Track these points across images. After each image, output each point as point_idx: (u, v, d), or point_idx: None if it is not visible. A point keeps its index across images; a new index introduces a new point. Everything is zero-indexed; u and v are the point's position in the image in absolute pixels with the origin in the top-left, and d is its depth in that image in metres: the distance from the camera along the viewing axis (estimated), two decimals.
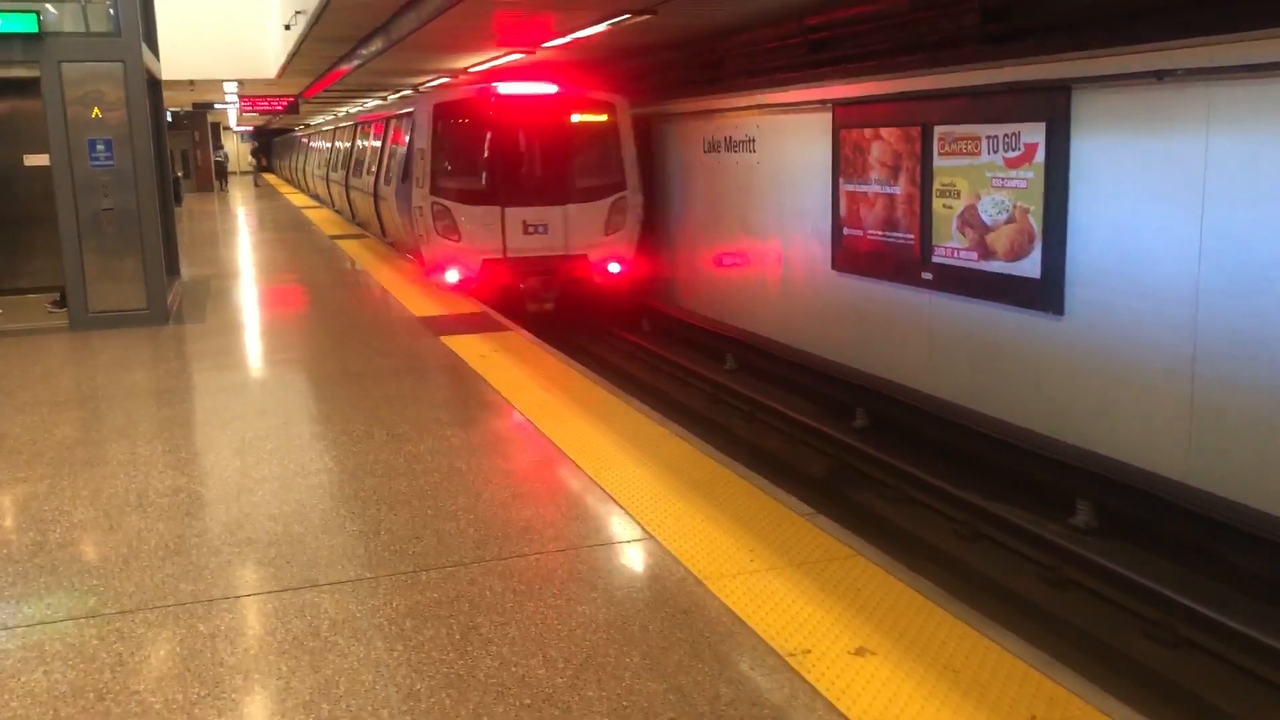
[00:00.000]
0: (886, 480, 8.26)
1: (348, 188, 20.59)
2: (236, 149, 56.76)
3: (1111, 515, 7.16)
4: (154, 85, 11.54)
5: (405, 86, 22.50)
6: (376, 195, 16.50)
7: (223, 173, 40.93)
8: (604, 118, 13.37)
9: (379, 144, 16.59)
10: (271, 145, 57.18)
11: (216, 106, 31.13)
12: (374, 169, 16.89)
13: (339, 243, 17.18)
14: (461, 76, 18.31)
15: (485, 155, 13.10)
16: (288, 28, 15.12)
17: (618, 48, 14.32)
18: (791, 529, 4.24)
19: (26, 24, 8.85)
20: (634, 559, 4.01)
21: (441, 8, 9.97)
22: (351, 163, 20.25)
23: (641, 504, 4.55)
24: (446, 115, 13.00)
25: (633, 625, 3.43)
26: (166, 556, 4.09)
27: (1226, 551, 6.43)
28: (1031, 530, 6.95)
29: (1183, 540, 6.71)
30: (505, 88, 12.98)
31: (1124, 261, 7.23)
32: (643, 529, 4.26)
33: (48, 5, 9.29)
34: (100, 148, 9.26)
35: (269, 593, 3.76)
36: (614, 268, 13.26)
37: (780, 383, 11.30)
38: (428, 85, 19.04)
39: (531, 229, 12.91)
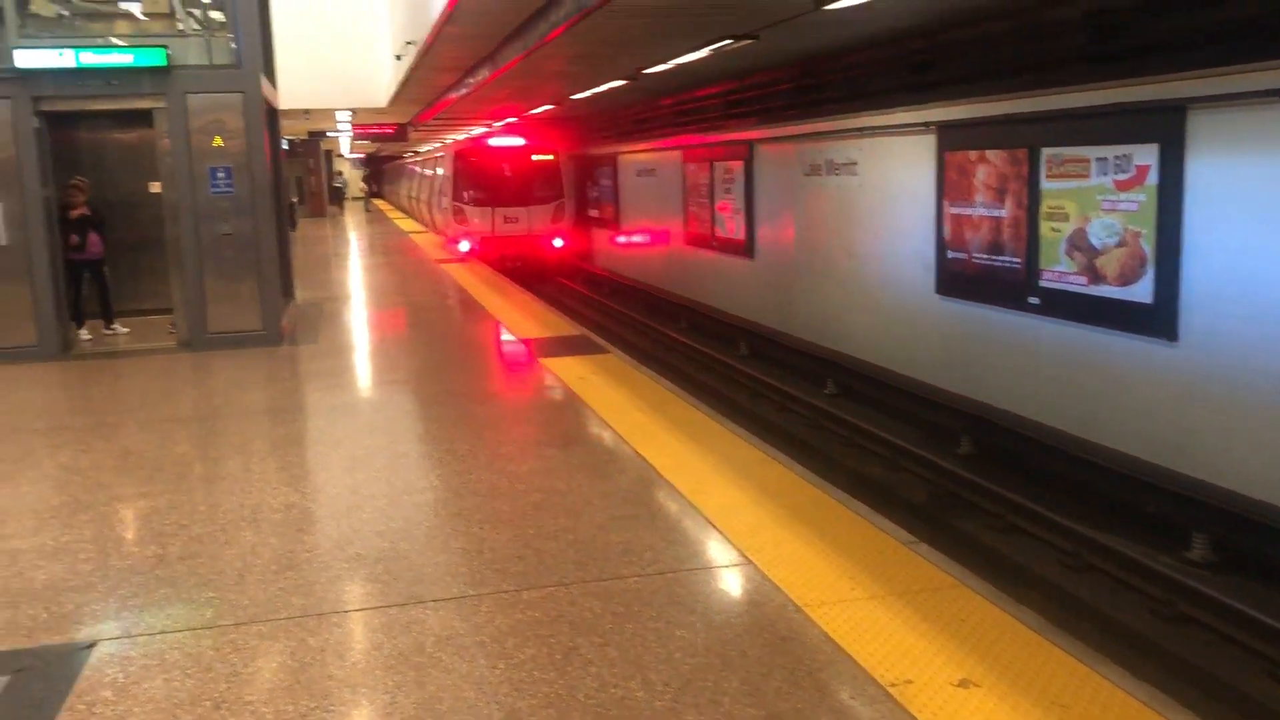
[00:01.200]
0: (991, 509, 8.09)
1: (417, 200, 32.52)
2: (349, 176, 58.46)
3: (1230, 549, 6.89)
4: (272, 114, 12.00)
5: (510, 115, 22.92)
6: (430, 203, 27.21)
7: (340, 197, 42.34)
8: (551, 158, 22.79)
9: (431, 172, 27.52)
10: (382, 172, 58.82)
11: (329, 135, 32.14)
12: (429, 187, 27.78)
13: (444, 266, 17.56)
14: (495, 125, 25.43)
15: (481, 178, 22.45)
16: (399, 58, 15.57)
17: (717, 71, 14.39)
18: (893, 557, 4.19)
19: (156, 58, 9.30)
20: (732, 584, 4.01)
21: (546, 35, 10.16)
22: (418, 183, 32.00)
23: (739, 528, 4.54)
24: (462, 155, 22.83)
25: (731, 650, 3.43)
26: (279, 571, 4.23)
27: None
28: (1144, 563, 6.73)
29: None
30: (494, 141, 22.93)
31: (1242, 286, 6.97)
32: (741, 554, 4.26)
33: (174, 39, 9.75)
34: (221, 175, 9.66)
35: (376, 608, 3.86)
36: (557, 242, 22.80)
37: (882, 408, 11.16)
38: (502, 123, 25.04)
39: (508, 220, 22.31)
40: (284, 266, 12.07)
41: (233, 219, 9.77)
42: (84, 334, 10.31)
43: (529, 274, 21.26)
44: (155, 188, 10.94)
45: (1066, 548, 7.29)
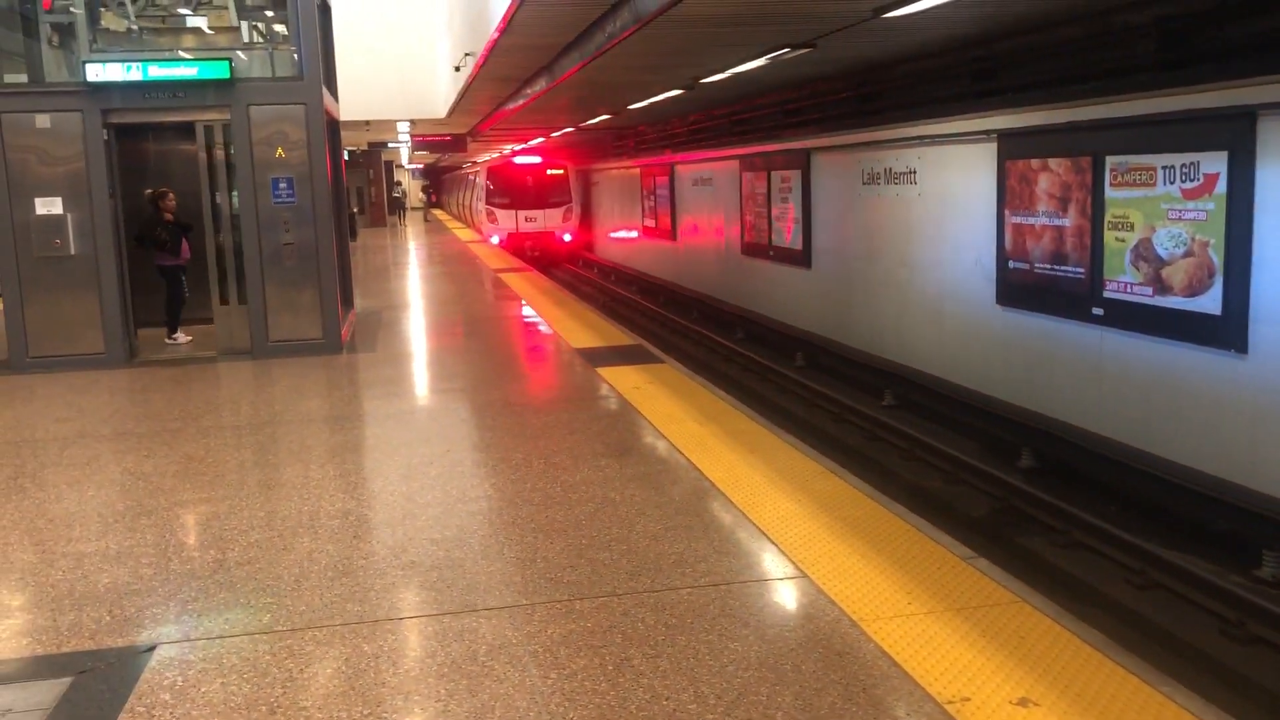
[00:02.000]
0: (1054, 524, 7.93)
1: (464, 206, 39.37)
2: (408, 186, 59.12)
3: None
4: (333, 126, 12.18)
5: (567, 125, 23.05)
6: (471, 207, 34.53)
7: (400, 207, 42.97)
8: (561, 172, 29.04)
9: (472, 182, 34.69)
10: (441, 183, 59.48)
11: (390, 145, 32.56)
12: (471, 194, 34.97)
13: (502, 276, 17.69)
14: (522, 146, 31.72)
15: (507, 187, 28.72)
16: (457, 69, 15.73)
17: (774, 82, 14.35)
18: (951, 572, 4.12)
19: (220, 71, 9.48)
20: (787, 597, 3.96)
21: (604, 45, 10.19)
22: (465, 191, 38.91)
23: (794, 541, 4.50)
24: (492, 171, 29.35)
25: (785, 664, 3.39)
26: (335, 577, 4.27)
27: None
28: (1212, 581, 6.55)
29: None
30: (518, 159, 29.19)
31: None
32: (795, 566, 4.22)
33: (239, 52, 9.94)
34: (283, 186, 9.82)
35: (430, 615, 3.87)
36: (566, 237, 29.36)
37: (942, 420, 11.02)
38: (525, 145, 31.56)
39: (528, 219, 28.64)
40: (344, 275, 12.24)
41: (294, 229, 9.91)
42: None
43: (546, 260, 28.86)
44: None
45: (1133, 565, 7.12)
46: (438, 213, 52.37)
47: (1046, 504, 8.11)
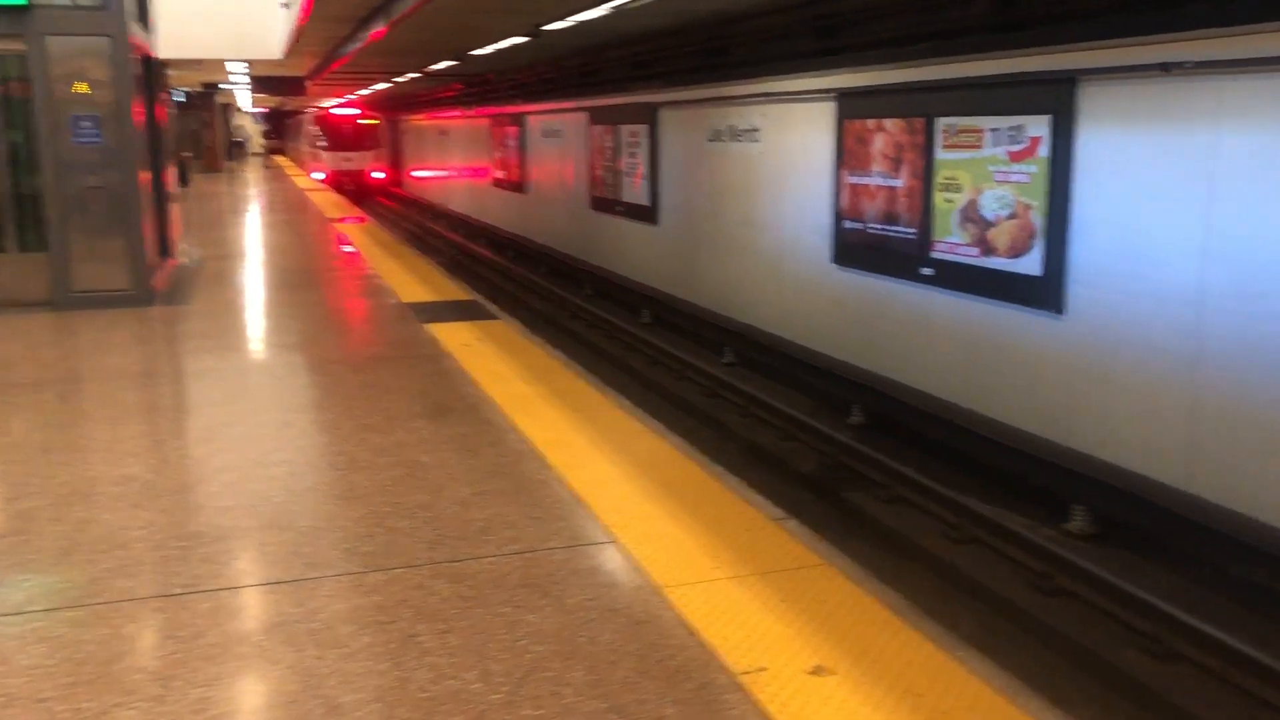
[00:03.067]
0: (879, 479, 8.06)
1: (298, 149, 42.81)
2: (250, 131, 56.62)
3: (1109, 521, 6.95)
4: (148, 62, 11.37)
5: (412, 71, 22.29)
6: (304, 152, 38.62)
7: (240, 152, 41.27)
8: (375, 121, 35.01)
9: (303, 128, 39.03)
10: (284, 128, 57.28)
11: (222, 87, 30.96)
12: (302, 139, 39.50)
13: (338, 225, 17.02)
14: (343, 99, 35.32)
15: (329, 133, 34.27)
16: (286, 5, 14.93)
17: (623, 33, 14.09)
18: (761, 534, 4.05)
19: None
20: (593, 563, 3.82)
21: None
22: (299, 136, 42.39)
23: (607, 504, 4.36)
24: (317, 119, 35.20)
25: (581, 636, 3.24)
26: (106, 550, 3.92)
27: (1230, 564, 6.23)
28: (1024, 535, 6.74)
29: (1186, 551, 6.50)
30: (337, 110, 35.15)
31: (1127, 261, 6.99)
32: (606, 531, 4.08)
33: None
34: (86, 125, 9.10)
35: (205, 591, 3.58)
36: (378, 175, 35.42)
37: (778, 377, 11.10)
38: (348, 99, 35.40)
39: (346, 160, 34.16)
40: (162, 223, 11.51)
41: (100, 171, 9.21)
42: None
43: (361, 194, 33.64)
44: None
45: (951, 520, 7.28)
46: (279, 159, 50.37)
47: (872, 460, 8.23)
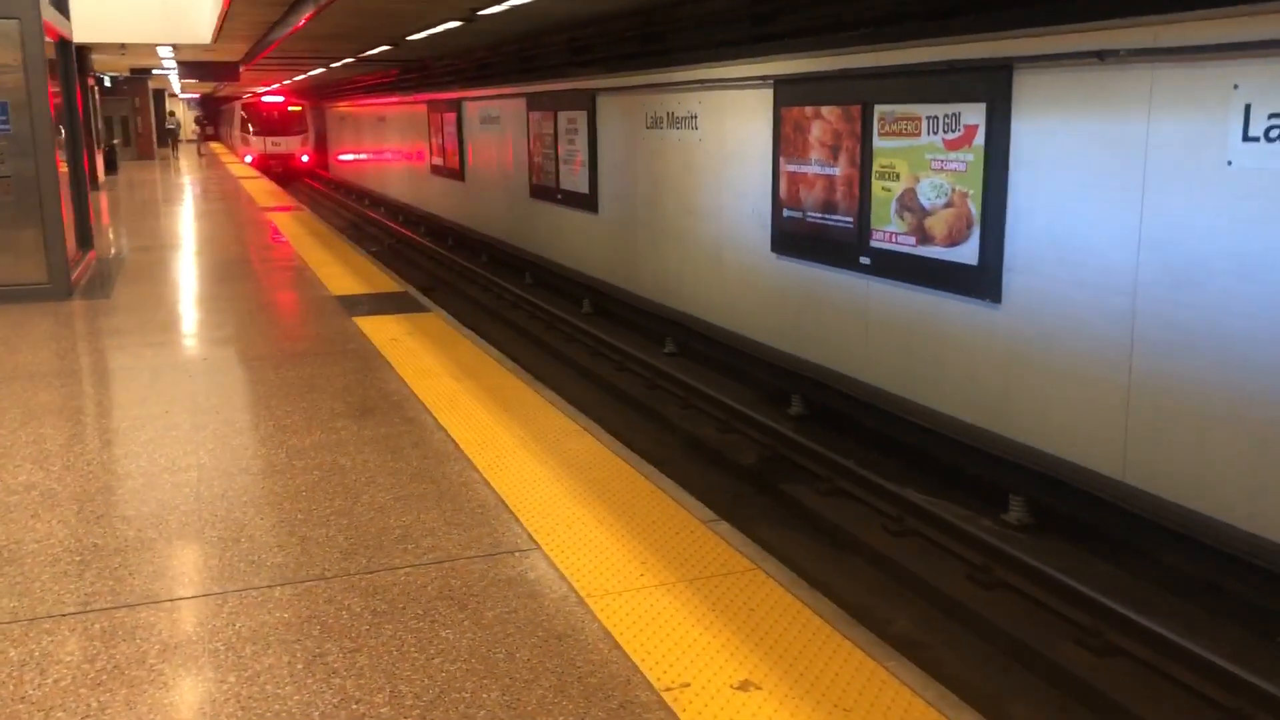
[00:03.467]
0: (818, 471, 7.98)
1: (230, 134, 45.13)
2: (183, 117, 55.45)
3: (1046, 512, 6.94)
4: (65, 46, 10.96)
5: (348, 56, 21.86)
6: (235, 138, 41.19)
7: (173, 140, 40.46)
8: (300, 109, 37.52)
9: (233, 115, 41.15)
10: (218, 114, 56.38)
11: (155, 73, 30.17)
12: (232, 124, 42.32)
13: (270, 215, 16.63)
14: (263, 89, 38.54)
15: (257, 119, 36.80)
16: None
17: (561, 18, 13.87)
18: (691, 538, 3.92)
19: None
20: (515, 573, 3.66)
21: None
22: (230, 122, 44.85)
23: (533, 509, 4.20)
24: (246, 105, 37.56)
25: (498, 653, 3.09)
26: None
27: (1165, 552, 6.23)
28: (961, 527, 6.70)
29: (1121, 541, 6.50)
30: (266, 97, 37.86)
31: (1062, 250, 6.96)
32: (530, 537, 3.92)
33: None
34: None
35: (100, 610, 3.37)
36: (305, 158, 37.78)
37: (719, 368, 11.00)
38: (275, 86, 38.83)
39: (274, 144, 36.70)
40: (80, 214, 11.12)
41: (11, 160, 8.83)
42: None
43: (288, 177, 36.63)
44: None
45: (890, 512, 7.22)
46: (214, 146, 49.47)
47: (811, 451, 8.15)
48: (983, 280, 7.62)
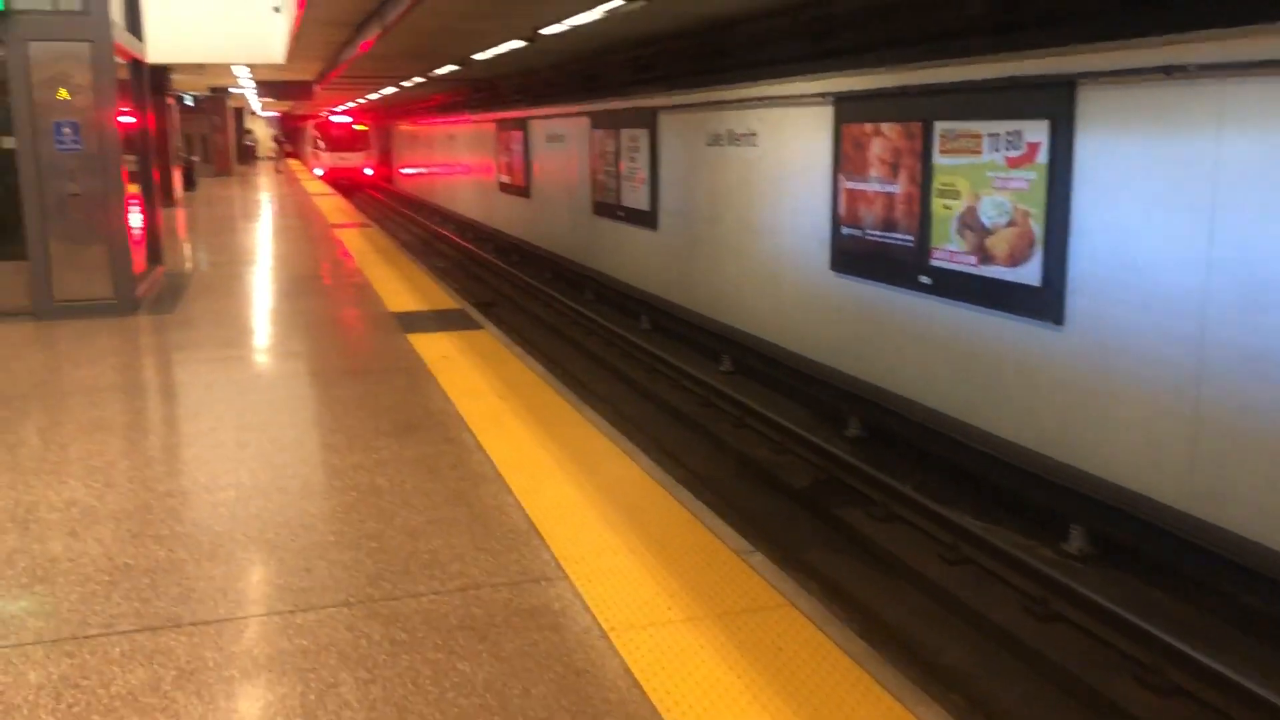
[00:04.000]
0: (873, 496, 7.79)
1: (306, 154, 48.91)
2: (261, 134, 56.84)
3: (1107, 541, 6.68)
4: (137, 68, 11.22)
5: (417, 75, 22.13)
6: (308, 153, 46.39)
7: (250, 156, 41.55)
8: (365, 128, 41.78)
9: (307, 133, 48.58)
10: (295, 131, 57.94)
11: (233, 91, 30.89)
12: (307, 142, 48.19)
13: (338, 231, 16.86)
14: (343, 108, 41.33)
15: (328, 137, 41.11)
16: (277, 10, 14.77)
17: (623, 37, 13.88)
18: (723, 570, 3.81)
19: None
20: (539, 603, 3.58)
21: None
22: (305, 139, 50.17)
23: (564, 534, 4.12)
24: (318, 125, 42.76)
25: (514, 689, 3.01)
26: (28, 585, 3.72)
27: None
28: (1019, 557, 6.47)
29: (1186, 575, 6.22)
30: (335, 118, 41.72)
31: (1127, 271, 6.72)
32: (558, 565, 3.84)
33: None
34: (66, 130, 8.92)
35: (122, 633, 3.36)
36: (369, 171, 42.00)
37: (776, 387, 10.85)
38: (345, 107, 41.73)
39: (341, 159, 40.79)
40: (151, 230, 11.36)
41: (80, 178, 9.04)
42: None
43: (354, 187, 40.18)
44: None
45: (945, 539, 7.02)
46: (292, 162, 50.81)
47: (866, 475, 7.97)
48: (1045, 301, 7.39)
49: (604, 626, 3.37)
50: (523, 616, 3.47)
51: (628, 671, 3.09)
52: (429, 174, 35.30)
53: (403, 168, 42.03)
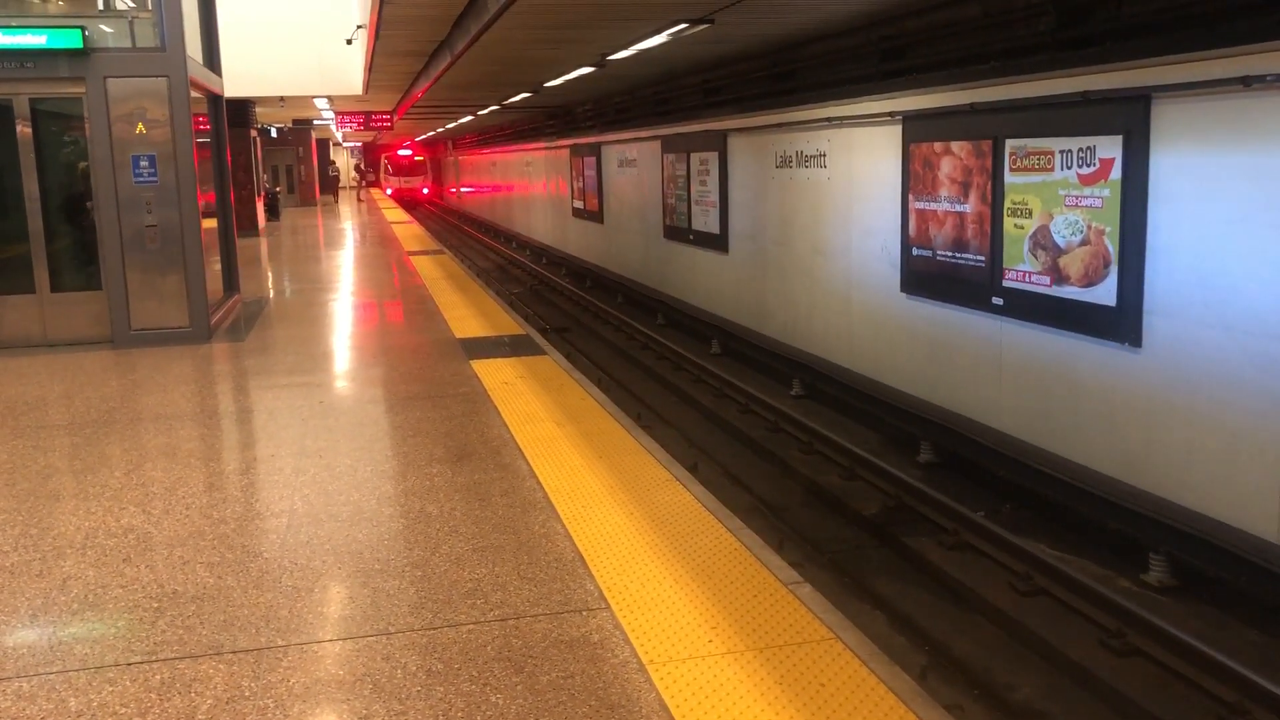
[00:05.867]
0: (944, 523, 7.58)
1: (377, 178, 60.95)
2: (344, 164, 58.63)
3: (1190, 573, 6.39)
4: (215, 102, 11.53)
5: (493, 103, 22.44)
6: (379, 177, 60.05)
7: (334, 186, 42.25)
8: (422, 159, 55.70)
9: (380, 163, 59.89)
10: (377, 161, 60.21)
11: (316, 123, 31.67)
12: (381, 170, 58.10)
13: (413, 258, 17.10)
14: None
15: (395, 165, 54.53)
16: (349, 42, 15.08)
17: (691, 61, 13.88)
18: (769, 602, 3.70)
19: (71, 40, 8.82)
20: (578, 634, 3.51)
21: (497, 13, 9.62)
22: (380, 169, 59.01)
23: (609, 564, 4.05)
24: (389, 158, 55.93)
25: None
26: (79, 610, 3.76)
27: None
28: (1095, 588, 6.21)
29: (1273, 608, 5.91)
30: (401, 151, 54.92)
31: (1208, 291, 6.45)
32: (600, 595, 3.77)
33: (97, 22, 9.27)
34: (143, 164, 9.19)
35: (164, 660, 3.38)
36: (425, 191, 55.04)
37: (847, 411, 10.66)
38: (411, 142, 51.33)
39: (405, 183, 53.60)
40: (228, 259, 11.63)
41: (157, 210, 9.29)
42: None
43: (414, 203, 49.87)
44: None
45: (1018, 569, 6.78)
46: (374, 191, 52.64)
47: (937, 502, 7.75)
48: (1121, 322, 7.13)
49: (642, 659, 3.29)
50: (560, 648, 3.40)
51: (663, 706, 3.01)
52: (489, 195, 39.02)
53: (458, 188, 51.40)
